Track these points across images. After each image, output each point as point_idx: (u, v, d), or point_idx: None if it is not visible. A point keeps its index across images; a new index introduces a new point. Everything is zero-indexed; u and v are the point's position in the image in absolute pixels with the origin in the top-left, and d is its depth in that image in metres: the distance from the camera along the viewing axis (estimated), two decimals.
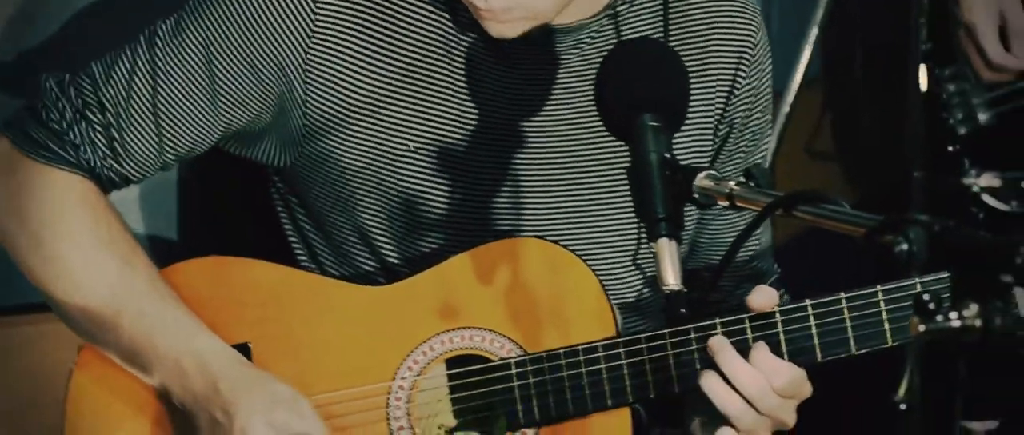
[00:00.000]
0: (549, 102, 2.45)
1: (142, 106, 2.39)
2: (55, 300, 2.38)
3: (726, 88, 2.52)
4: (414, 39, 2.40)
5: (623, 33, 2.46)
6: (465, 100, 2.42)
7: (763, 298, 2.37)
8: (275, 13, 2.36)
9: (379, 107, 2.40)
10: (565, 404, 2.40)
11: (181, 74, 2.39)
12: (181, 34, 2.39)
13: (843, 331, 2.39)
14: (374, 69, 2.40)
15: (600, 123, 2.18)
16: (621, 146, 2.14)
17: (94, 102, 2.39)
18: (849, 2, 3.40)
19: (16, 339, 2.63)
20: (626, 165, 2.10)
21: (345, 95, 2.39)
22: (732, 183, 2.02)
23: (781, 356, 2.36)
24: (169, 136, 2.40)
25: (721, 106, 2.53)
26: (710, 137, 2.53)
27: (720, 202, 2.04)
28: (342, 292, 2.43)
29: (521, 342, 2.40)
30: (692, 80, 2.22)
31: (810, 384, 2.38)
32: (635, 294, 2.55)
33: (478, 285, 2.40)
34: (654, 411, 2.52)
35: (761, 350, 2.34)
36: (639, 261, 2.53)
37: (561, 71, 2.44)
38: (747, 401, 2.32)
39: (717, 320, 2.39)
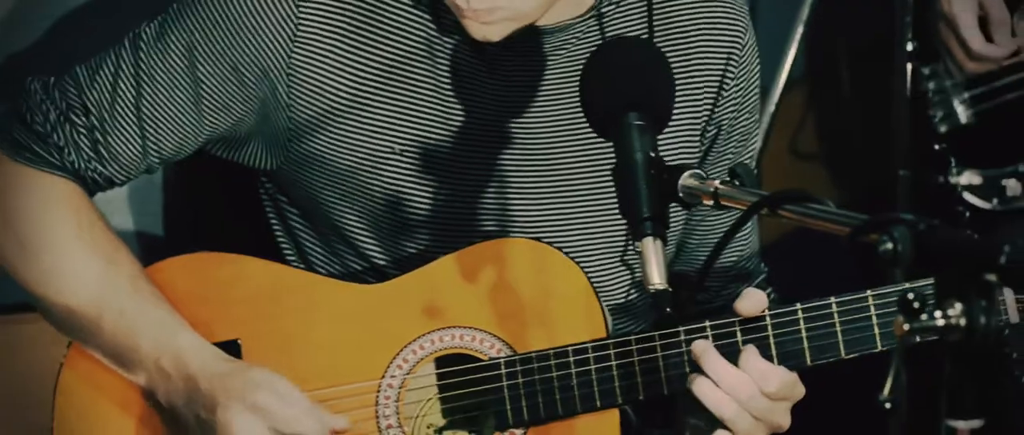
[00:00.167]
0: (535, 102, 2.45)
1: (126, 109, 2.39)
2: (40, 301, 2.39)
3: (714, 90, 2.53)
4: (397, 42, 2.41)
5: (609, 34, 2.46)
6: (450, 101, 2.43)
7: (751, 303, 2.37)
8: (258, 17, 2.37)
9: (363, 109, 2.41)
10: (554, 405, 2.40)
11: (165, 77, 2.39)
12: (165, 37, 2.40)
13: (833, 335, 2.39)
14: (357, 71, 2.40)
15: (586, 123, 2.19)
16: (608, 146, 2.14)
17: (78, 105, 2.40)
18: (835, 1, 3.41)
19: (4, 338, 2.63)
20: (612, 165, 2.10)
21: (329, 97, 2.40)
22: (717, 182, 2.02)
23: (771, 360, 2.36)
24: (153, 139, 2.40)
25: (709, 108, 2.53)
26: (697, 139, 2.53)
27: (705, 201, 2.04)
28: (332, 290, 2.43)
29: (511, 342, 2.41)
30: (678, 82, 2.22)
31: (803, 386, 2.39)
32: (624, 294, 2.55)
33: (468, 284, 2.40)
34: (644, 413, 2.52)
35: (750, 353, 2.34)
36: (627, 261, 2.53)
37: (546, 72, 2.45)
38: (738, 404, 2.32)
39: (707, 322, 2.39)
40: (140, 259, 2.40)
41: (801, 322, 2.39)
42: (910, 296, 1.65)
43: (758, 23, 3.37)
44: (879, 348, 2.40)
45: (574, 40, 2.44)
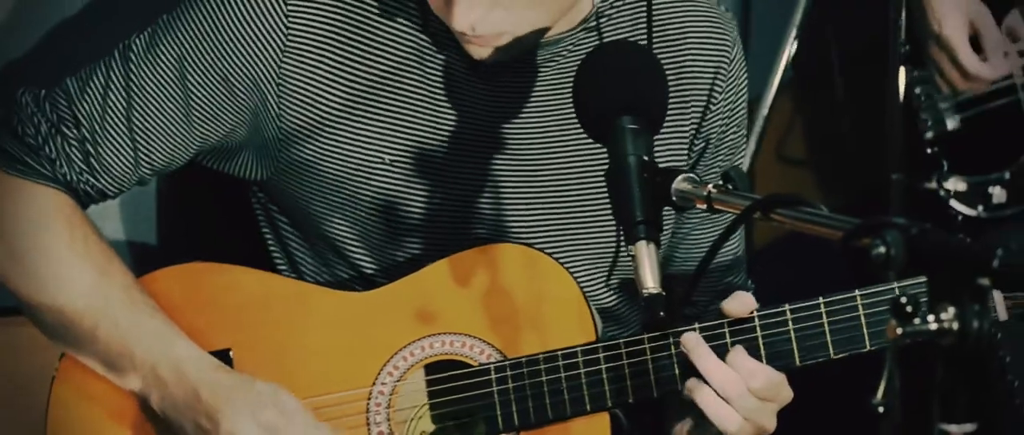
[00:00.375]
0: (527, 112, 2.45)
1: (117, 121, 2.39)
2: (33, 311, 2.39)
3: (702, 103, 2.53)
4: (387, 52, 2.41)
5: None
6: (441, 111, 2.42)
7: (739, 304, 2.38)
8: (248, 28, 2.36)
9: (352, 119, 2.40)
10: (544, 409, 2.40)
11: (155, 89, 2.39)
12: (155, 49, 2.39)
13: (821, 335, 2.40)
14: (347, 81, 2.40)
15: (579, 131, 2.18)
16: (600, 153, 2.14)
17: (69, 117, 2.39)
18: (827, 5, 3.41)
19: (1, 340, 2.62)
20: (603, 172, 2.10)
21: (318, 107, 2.40)
22: (710, 186, 2.02)
23: (760, 360, 2.37)
24: (144, 151, 2.40)
25: (697, 121, 2.53)
26: (685, 152, 2.53)
27: (698, 205, 2.04)
28: (323, 298, 2.43)
29: (501, 347, 2.40)
30: (669, 90, 2.22)
31: (790, 389, 2.39)
32: (614, 299, 2.55)
33: (458, 291, 2.40)
34: (635, 416, 2.52)
35: (738, 352, 2.34)
36: (619, 267, 2.53)
37: (538, 82, 2.45)
38: (726, 402, 2.32)
39: (696, 325, 2.39)
40: (133, 269, 2.40)
41: (790, 322, 2.39)
42: (903, 299, 1.65)
43: (751, 28, 3.38)
44: (868, 348, 2.40)
45: (566, 52, 2.44)
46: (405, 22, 2.41)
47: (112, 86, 2.39)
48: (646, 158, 2.07)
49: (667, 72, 2.41)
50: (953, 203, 3.10)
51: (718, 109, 2.54)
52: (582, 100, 2.16)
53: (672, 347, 2.39)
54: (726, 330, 2.39)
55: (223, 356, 2.38)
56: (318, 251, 2.51)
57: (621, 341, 2.40)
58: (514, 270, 2.40)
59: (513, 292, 2.40)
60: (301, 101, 2.39)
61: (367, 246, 2.47)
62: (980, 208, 3.10)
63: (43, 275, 2.36)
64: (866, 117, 3.33)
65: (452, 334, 2.41)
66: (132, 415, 2.38)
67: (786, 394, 2.38)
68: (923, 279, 2.28)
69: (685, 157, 2.53)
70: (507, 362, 2.40)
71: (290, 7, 2.36)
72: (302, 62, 2.38)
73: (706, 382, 2.32)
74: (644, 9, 2.46)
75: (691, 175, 2.06)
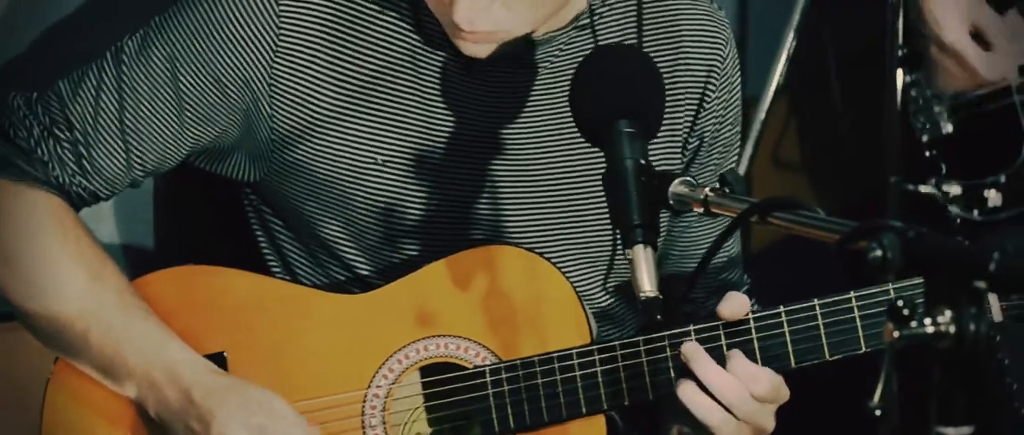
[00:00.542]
0: (521, 112, 2.45)
1: (109, 123, 2.38)
2: (26, 315, 2.38)
3: (695, 102, 2.53)
4: (380, 52, 2.40)
5: (596, 43, 2.46)
6: (434, 111, 2.42)
7: (733, 306, 2.37)
8: (239, 28, 2.36)
9: (345, 119, 2.40)
10: (540, 412, 2.40)
11: (147, 90, 2.38)
12: (147, 51, 2.39)
13: (817, 338, 2.40)
14: (339, 82, 2.39)
15: (574, 131, 2.18)
16: (596, 154, 2.14)
17: (61, 119, 2.39)
18: (825, 8, 3.41)
19: None
20: (601, 173, 2.10)
21: (311, 108, 2.39)
22: (707, 190, 2.02)
23: (755, 362, 2.37)
24: (137, 152, 2.39)
25: (690, 120, 2.53)
26: (679, 151, 2.53)
27: (695, 209, 2.04)
28: (318, 300, 2.42)
29: (496, 350, 2.40)
30: (665, 98, 2.22)
31: (787, 388, 2.39)
32: (612, 300, 2.55)
33: (454, 293, 2.40)
34: (631, 418, 2.52)
35: (738, 357, 2.34)
36: (615, 269, 2.53)
37: (533, 82, 2.44)
38: (726, 408, 2.32)
39: (691, 327, 2.39)
40: (128, 271, 2.40)
41: (785, 324, 2.39)
42: (899, 303, 1.65)
43: (748, 31, 3.38)
44: (863, 349, 2.40)
45: (558, 50, 2.44)
46: (398, 22, 2.40)
47: (104, 88, 2.39)
48: (643, 162, 2.07)
49: (662, 69, 2.42)
50: (949, 207, 3.10)
51: (712, 107, 2.54)
52: (579, 104, 2.16)
53: (668, 349, 2.39)
54: (721, 332, 2.39)
55: (218, 359, 2.38)
56: (312, 253, 2.51)
57: (616, 343, 2.39)
58: (509, 272, 2.40)
59: (508, 294, 2.40)
60: (293, 101, 2.39)
61: (361, 247, 2.47)
62: (975, 212, 3.09)
63: (36, 279, 2.36)
64: (863, 120, 3.33)
65: (447, 336, 2.40)
66: (127, 418, 2.38)
67: (784, 394, 2.39)
68: (918, 280, 2.30)
69: (679, 155, 2.53)
70: (502, 364, 2.40)
71: (281, 7, 2.36)
72: (294, 63, 2.38)
73: (705, 389, 2.32)
74: (635, 10, 2.46)
75: (688, 179, 2.06)
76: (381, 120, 2.41)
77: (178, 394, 2.33)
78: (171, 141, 2.40)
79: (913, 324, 1.66)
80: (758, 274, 2.70)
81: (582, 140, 2.18)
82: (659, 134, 2.42)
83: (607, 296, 2.55)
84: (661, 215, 2.08)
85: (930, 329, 1.66)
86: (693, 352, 2.34)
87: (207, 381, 2.33)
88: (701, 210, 2.03)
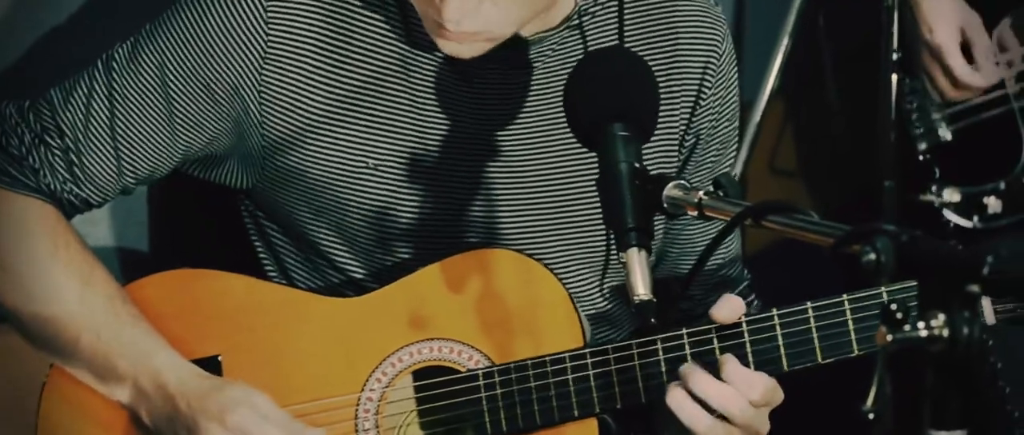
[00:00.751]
0: (512, 115, 2.45)
1: (100, 130, 2.38)
2: (17, 321, 2.38)
3: (691, 99, 2.52)
4: (370, 58, 2.40)
5: (587, 43, 2.46)
6: (425, 115, 2.42)
7: (727, 310, 2.37)
8: (228, 35, 2.36)
9: (336, 125, 2.40)
10: (532, 415, 2.40)
11: (137, 98, 2.39)
12: (137, 58, 2.39)
13: (809, 341, 2.40)
14: (329, 88, 2.39)
15: (568, 134, 2.18)
16: (590, 157, 2.14)
17: (53, 127, 2.39)
18: (820, 12, 3.41)
19: None
20: (595, 176, 2.10)
21: (301, 114, 2.39)
22: (701, 193, 2.02)
23: (747, 366, 2.37)
24: (128, 159, 2.40)
25: (686, 117, 2.53)
26: (676, 148, 2.53)
27: (689, 212, 2.04)
28: (312, 304, 2.42)
29: (490, 353, 2.40)
30: (660, 95, 2.22)
31: (781, 390, 2.39)
32: (604, 304, 2.55)
33: (447, 296, 2.40)
34: (624, 421, 2.52)
35: (732, 363, 2.33)
36: (611, 271, 2.53)
37: (525, 83, 2.44)
38: (721, 417, 2.32)
39: (684, 330, 2.39)
40: (123, 276, 2.40)
41: (777, 328, 2.39)
42: (892, 306, 1.65)
43: (744, 34, 3.38)
44: (856, 352, 2.40)
45: (549, 51, 2.44)
46: (387, 27, 2.40)
47: (95, 96, 2.39)
48: (637, 165, 2.07)
49: (656, 67, 2.42)
50: (948, 214, 3.10)
51: (708, 104, 2.53)
52: (572, 107, 2.16)
53: (660, 352, 2.39)
54: (714, 336, 2.39)
55: (212, 362, 2.38)
56: (307, 257, 2.51)
57: (609, 346, 2.39)
58: (503, 275, 2.40)
59: (501, 297, 2.40)
60: (283, 108, 2.39)
61: (355, 252, 2.47)
62: (975, 219, 3.10)
63: (26, 285, 2.36)
64: (859, 123, 3.33)
65: (441, 339, 2.40)
66: (121, 424, 2.38)
67: (779, 397, 2.38)
68: (910, 284, 2.30)
69: (676, 153, 2.53)
70: (495, 368, 2.40)
71: (270, 14, 2.36)
72: (283, 69, 2.37)
73: (705, 402, 2.31)
74: (628, 7, 2.46)
75: (682, 182, 2.06)
76: (372, 124, 2.41)
77: (165, 402, 2.33)
78: (162, 148, 2.40)
79: (906, 328, 1.66)
80: (754, 276, 2.70)
81: (575, 141, 2.18)
82: (656, 132, 2.42)
83: (603, 299, 2.55)
84: (659, 215, 2.08)
85: (923, 333, 1.66)
86: (689, 371, 2.33)
87: (190, 386, 2.33)
88: (695, 213, 2.03)
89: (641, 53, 2.43)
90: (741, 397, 2.31)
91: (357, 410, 2.39)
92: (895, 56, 3.03)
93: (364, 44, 2.40)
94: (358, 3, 2.40)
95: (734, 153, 2.65)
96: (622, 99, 2.12)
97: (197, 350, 2.37)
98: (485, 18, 2.25)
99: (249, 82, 2.37)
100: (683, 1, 2.52)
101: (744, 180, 3.32)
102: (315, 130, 2.40)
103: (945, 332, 1.66)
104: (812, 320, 2.39)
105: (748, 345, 2.38)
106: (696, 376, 2.32)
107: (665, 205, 2.05)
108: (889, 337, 1.66)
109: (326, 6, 2.38)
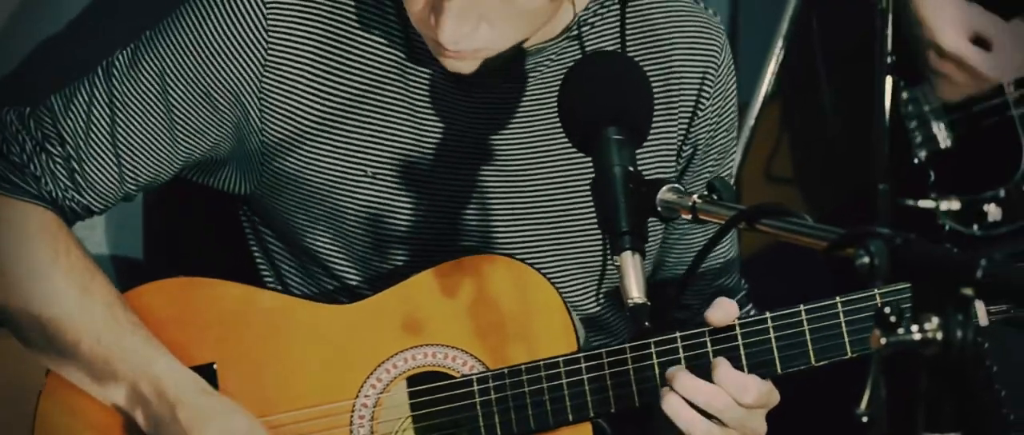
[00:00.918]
0: (511, 122, 2.45)
1: (101, 137, 2.38)
2: (17, 327, 2.38)
3: (689, 109, 2.52)
4: (368, 65, 2.40)
5: (586, 52, 2.46)
6: (423, 123, 2.42)
7: (721, 313, 2.37)
8: (228, 42, 2.36)
9: (334, 132, 2.40)
10: (527, 420, 2.40)
11: (138, 105, 2.39)
12: (137, 65, 2.39)
13: (803, 343, 2.40)
14: (328, 95, 2.39)
15: (564, 141, 2.19)
16: (586, 163, 2.14)
17: (53, 134, 2.39)
18: (814, 16, 3.41)
19: None
20: (588, 183, 2.10)
21: (300, 120, 2.39)
22: (695, 197, 2.02)
23: (741, 369, 2.37)
24: (129, 166, 2.40)
25: (684, 127, 2.53)
26: (673, 158, 2.53)
27: (683, 215, 2.04)
28: (307, 311, 2.42)
29: (484, 359, 2.40)
30: (655, 101, 2.22)
31: (777, 392, 2.39)
32: (599, 310, 2.55)
33: (442, 302, 2.40)
34: (618, 425, 2.52)
35: (724, 367, 2.33)
36: (607, 278, 2.53)
37: (522, 92, 2.45)
38: (713, 418, 2.32)
39: (677, 334, 2.39)
40: (119, 283, 2.40)
41: (771, 331, 2.39)
42: (886, 309, 1.66)
43: (738, 38, 3.38)
44: (850, 355, 2.40)
45: (548, 62, 2.44)
46: (386, 35, 2.40)
47: (96, 103, 2.39)
48: (631, 169, 2.07)
49: (654, 77, 2.42)
50: (947, 222, 3.10)
51: (706, 114, 2.54)
52: (567, 111, 2.16)
53: (654, 357, 2.39)
54: (708, 339, 2.39)
55: (207, 370, 2.38)
56: (303, 264, 2.51)
57: (603, 351, 2.40)
58: (497, 281, 2.40)
59: (496, 303, 2.40)
60: (283, 114, 2.39)
61: (351, 259, 2.47)
62: (975, 226, 3.10)
63: (27, 291, 2.36)
64: (854, 126, 3.33)
65: (435, 346, 2.40)
66: (118, 431, 2.38)
67: (775, 398, 2.38)
68: (903, 286, 2.30)
69: (673, 163, 2.53)
70: (489, 373, 2.40)
71: (271, 22, 2.36)
72: (283, 76, 2.38)
73: (692, 402, 2.31)
74: (628, 17, 2.46)
75: (676, 186, 2.06)
76: (370, 132, 2.41)
77: (165, 409, 2.32)
78: (163, 155, 2.40)
79: (900, 331, 1.66)
80: (749, 279, 2.70)
81: (572, 149, 2.18)
82: (653, 141, 2.43)
83: (599, 305, 2.55)
84: (656, 222, 2.08)
85: (917, 336, 1.66)
86: (675, 373, 2.33)
87: (193, 401, 2.33)
88: (689, 217, 2.03)
89: (640, 62, 2.43)
90: (726, 396, 2.31)
91: (352, 416, 2.39)
92: (889, 59, 3.03)
93: (363, 51, 2.40)
94: (357, 11, 2.40)
95: (732, 163, 2.65)
96: (616, 101, 2.12)
97: (193, 357, 2.37)
98: (483, 38, 2.25)
99: (250, 88, 2.37)
100: (682, 11, 2.52)
101: (738, 183, 3.32)
102: (314, 136, 2.40)
103: (939, 335, 1.66)
104: (805, 322, 2.39)
105: (741, 348, 2.38)
106: (681, 378, 2.32)
107: (659, 209, 2.05)
108: (883, 340, 1.66)
109: (326, 14, 2.39)
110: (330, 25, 2.39)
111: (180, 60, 2.38)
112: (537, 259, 2.47)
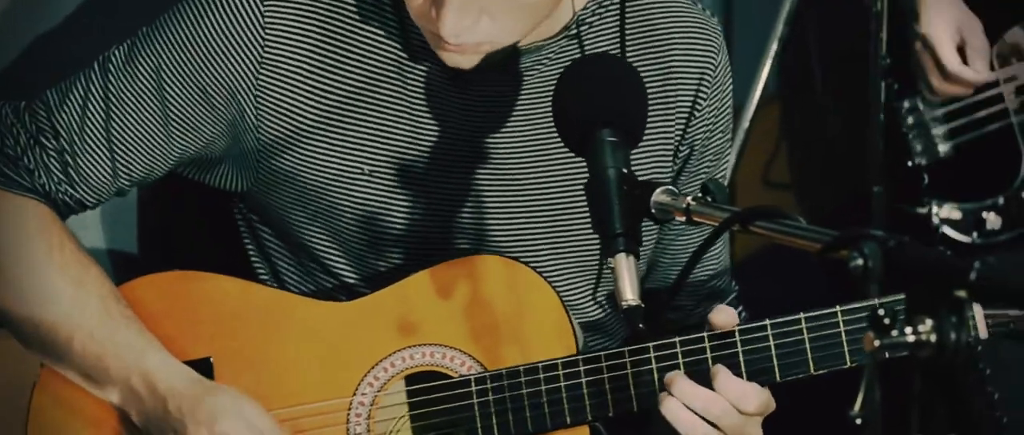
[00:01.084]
0: (507, 122, 2.45)
1: (95, 132, 2.39)
2: (9, 321, 2.38)
3: (686, 110, 2.53)
4: (366, 63, 2.41)
5: (585, 53, 2.46)
6: (421, 121, 2.42)
7: (725, 317, 2.38)
8: (225, 39, 2.37)
9: (331, 129, 2.41)
10: (524, 422, 2.40)
11: (133, 101, 2.39)
12: (133, 61, 2.39)
13: (802, 352, 2.40)
14: (325, 92, 2.40)
15: (558, 142, 2.19)
16: (580, 164, 2.14)
17: (48, 128, 2.39)
18: (809, 18, 3.42)
19: None
20: (584, 182, 2.10)
21: (296, 118, 2.40)
22: (689, 198, 2.03)
23: (740, 376, 2.37)
24: (123, 162, 2.40)
25: (681, 128, 2.53)
26: (670, 159, 2.53)
27: (677, 217, 2.04)
28: (304, 307, 2.43)
29: (482, 359, 2.40)
30: (652, 101, 2.22)
31: (774, 399, 2.39)
32: (597, 311, 2.55)
33: (439, 302, 2.40)
34: (616, 430, 2.52)
35: (724, 375, 2.33)
36: (605, 279, 2.53)
37: (520, 91, 2.45)
38: (712, 423, 2.32)
39: (676, 339, 2.39)
40: (114, 277, 2.40)
41: (770, 338, 2.39)
42: (880, 312, 1.66)
43: (733, 39, 3.38)
44: (849, 364, 2.40)
45: (546, 60, 2.44)
46: (384, 32, 2.41)
47: (91, 98, 2.40)
48: (625, 171, 2.07)
49: (651, 78, 2.43)
50: (946, 231, 3.10)
51: (703, 115, 2.54)
52: (561, 112, 2.17)
53: (653, 361, 2.39)
54: (707, 345, 2.39)
55: (204, 365, 2.38)
56: (300, 261, 2.51)
57: (602, 354, 2.40)
58: (494, 281, 2.40)
59: (494, 303, 2.40)
60: (279, 112, 2.39)
61: (348, 257, 2.47)
62: (974, 234, 3.09)
63: (19, 285, 2.36)
64: (849, 127, 3.34)
65: (433, 345, 2.41)
66: (111, 424, 2.38)
67: (771, 405, 2.38)
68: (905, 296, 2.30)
69: (670, 164, 2.53)
70: (487, 374, 2.40)
71: (268, 19, 2.37)
72: (280, 73, 2.38)
73: (689, 407, 2.32)
74: (626, 16, 2.47)
75: (670, 187, 2.06)
76: (368, 130, 2.42)
77: (156, 403, 2.33)
78: (158, 151, 2.41)
79: (894, 333, 1.66)
80: (739, 286, 2.70)
81: (569, 150, 2.18)
82: (649, 142, 2.43)
83: (597, 306, 2.55)
84: (651, 224, 2.08)
85: (911, 338, 1.66)
86: (674, 380, 2.33)
87: (181, 390, 2.33)
88: (683, 219, 2.03)
89: (637, 63, 2.43)
90: (723, 402, 2.31)
91: (349, 414, 2.40)
92: (884, 62, 3.04)
93: (360, 49, 2.41)
94: (355, 8, 2.40)
95: (727, 165, 2.65)
96: (610, 103, 2.13)
97: (188, 352, 2.38)
98: (484, 32, 2.26)
99: (246, 85, 2.38)
100: (680, 12, 2.53)
101: (734, 186, 3.32)
102: (310, 134, 2.41)
103: (933, 337, 1.66)
104: (805, 331, 2.39)
105: (741, 355, 2.38)
106: (680, 384, 2.32)
107: (653, 211, 2.05)
108: (877, 343, 1.66)
109: (322, 10, 2.39)
110: (327, 22, 2.39)
111: (176, 56, 2.38)
112: (534, 259, 2.47)
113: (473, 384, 2.40)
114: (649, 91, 2.20)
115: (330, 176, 2.42)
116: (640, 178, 2.10)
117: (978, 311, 2.38)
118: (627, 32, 2.47)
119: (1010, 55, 3.12)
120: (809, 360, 2.39)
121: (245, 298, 2.42)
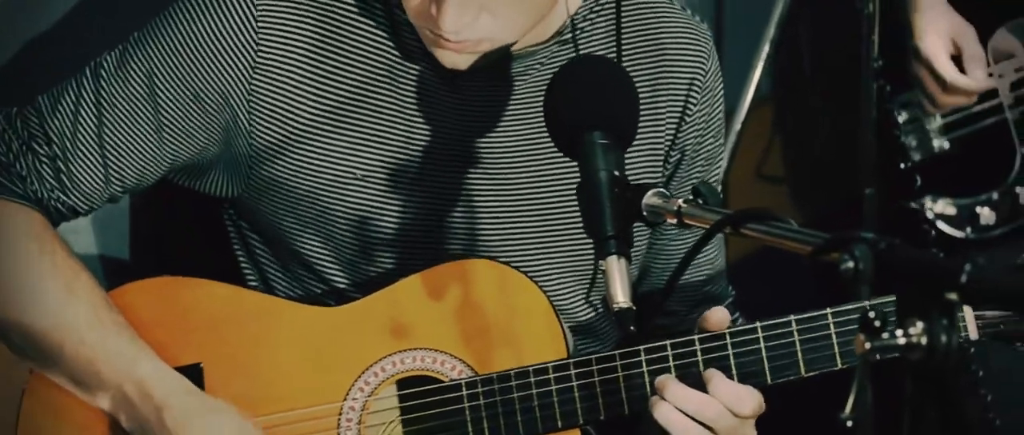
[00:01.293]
0: (500, 125, 2.45)
1: (88, 138, 2.39)
2: (0, 328, 2.38)
3: (677, 115, 2.53)
4: (359, 67, 2.41)
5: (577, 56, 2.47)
6: (413, 125, 2.42)
7: (718, 318, 2.38)
8: (217, 44, 2.36)
9: (324, 134, 2.40)
10: (516, 426, 2.40)
11: (125, 106, 2.39)
12: (125, 66, 2.39)
13: (793, 354, 2.40)
14: (318, 97, 2.40)
15: (550, 145, 2.19)
16: (572, 168, 2.14)
17: (40, 134, 2.39)
18: (801, 20, 3.42)
19: None
20: (576, 186, 2.10)
21: (289, 123, 2.40)
22: (680, 201, 2.03)
23: (731, 378, 2.37)
24: (115, 168, 2.40)
25: (672, 133, 2.53)
26: (660, 163, 2.54)
27: (669, 220, 2.04)
28: (295, 312, 2.42)
29: (472, 363, 2.40)
30: (642, 107, 2.22)
31: (764, 403, 2.39)
32: (590, 315, 2.55)
33: (430, 306, 2.40)
34: (609, 433, 2.52)
35: (718, 379, 2.33)
36: (598, 283, 2.53)
37: (511, 95, 2.45)
38: (705, 425, 2.32)
39: (667, 342, 2.39)
40: (105, 283, 2.39)
41: (761, 341, 2.39)
42: (871, 314, 1.66)
43: (725, 41, 3.39)
44: (839, 366, 2.40)
45: (539, 65, 2.44)
46: (377, 36, 2.41)
47: (83, 103, 2.39)
48: (617, 173, 2.07)
49: (642, 83, 2.43)
50: (941, 226, 3.10)
51: (694, 120, 2.54)
52: (552, 115, 2.17)
53: (644, 364, 2.39)
54: (698, 348, 2.39)
55: (194, 370, 2.37)
56: (289, 268, 2.51)
57: (593, 357, 2.40)
58: (485, 285, 2.40)
59: (484, 307, 2.40)
60: (272, 117, 2.39)
61: (340, 262, 2.47)
62: (968, 229, 3.10)
63: (10, 292, 2.35)
64: (840, 132, 3.34)
65: (424, 350, 2.40)
66: (101, 430, 2.38)
67: (763, 408, 2.38)
68: (895, 298, 2.30)
69: (660, 169, 2.53)
70: (478, 378, 2.40)
71: (261, 22, 2.36)
72: (273, 78, 2.38)
73: (682, 409, 2.32)
74: (616, 21, 2.47)
75: (662, 190, 2.06)
76: (360, 134, 2.42)
77: (150, 410, 2.32)
78: (150, 157, 2.40)
79: (884, 336, 1.66)
80: (734, 285, 2.70)
81: (561, 152, 2.18)
82: (641, 146, 2.44)
83: (589, 310, 2.55)
84: (642, 228, 2.08)
85: (901, 340, 1.66)
86: (666, 384, 2.33)
87: (179, 402, 2.32)
88: (674, 221, 2.03)
89: (628, 67, 2.44)
90: (717, 404, 2.31)
91: (339, 419, 2.39)
92: (876, 64, 3.04)
93: (353, 53, 2.41)
94: (348, 12, 2.40)
95: (719, 169, 2.65)
96: (601, 106, 2.13)
97: (179, 357, 2.37)
98: (484, 29, 2.26)
99: (238, 91, 2.38)
100: (671, 17, 2.53)
101: (726, 187, 3.32)
102: (303, 139, 2.40)
103: (923, 340, 1.66)
104: (796, 333, 2.39)
105: (731, 357, 2.38)
106: (672, 387, 2.32)
107: (645, 213, 2.05)
108: (867, 345, 1.66)
109: (316, 15, 2.39)
110: (320, 25, 2.39)
111: (169, 61, 2.38)
112: (526, 262, 2.47)
113: (464, 388, 2.39)
114: (640, 96, 2.20)
115: (322, 180, 2.41)
116: (629, 178, 2.10)
117: (968, 313, 2.38)
118: (621, 36, 2.47)
119: (1001, 56, 3.13)
120: (800, 362, 2.39)
121: (236, 303, 2.42)
